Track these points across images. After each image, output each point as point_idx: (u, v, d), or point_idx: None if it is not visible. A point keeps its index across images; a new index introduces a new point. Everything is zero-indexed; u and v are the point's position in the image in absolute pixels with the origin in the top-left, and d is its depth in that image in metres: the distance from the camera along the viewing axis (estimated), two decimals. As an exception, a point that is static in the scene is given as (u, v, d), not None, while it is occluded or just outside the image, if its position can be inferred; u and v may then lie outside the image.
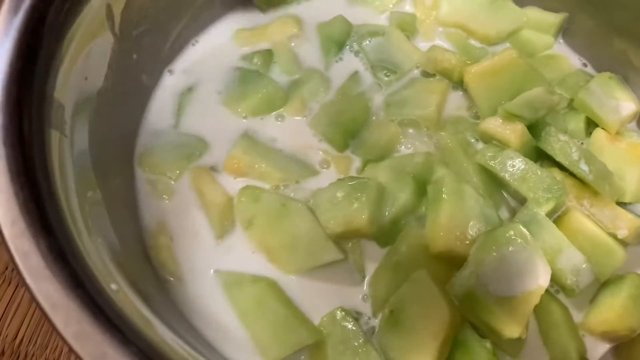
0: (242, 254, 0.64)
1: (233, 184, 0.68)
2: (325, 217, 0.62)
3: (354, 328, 0.59)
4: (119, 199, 0.61)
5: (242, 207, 0.65)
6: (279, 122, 0.73)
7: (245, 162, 0.67)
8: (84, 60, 0.57)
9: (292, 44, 0.79)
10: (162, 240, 0.64)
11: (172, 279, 0.62)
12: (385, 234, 0.64)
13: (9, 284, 0.71)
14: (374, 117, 0.73)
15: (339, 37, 0.79)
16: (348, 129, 0.72)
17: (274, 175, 0.67)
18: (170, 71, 0.76)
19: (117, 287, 0.44)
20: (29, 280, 0.40)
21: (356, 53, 0.79)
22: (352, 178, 0.65)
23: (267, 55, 0.77)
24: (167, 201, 0.67)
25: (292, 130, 0.73)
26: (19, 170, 0.45)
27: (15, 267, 0.41)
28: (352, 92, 0.76)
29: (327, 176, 0.69)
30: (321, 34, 0.80)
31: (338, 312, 0.60)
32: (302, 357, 0.60)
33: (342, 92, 0.75)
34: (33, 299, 0.40)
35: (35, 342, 0.68)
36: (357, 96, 0.75)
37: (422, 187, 0.66)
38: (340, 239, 0.63)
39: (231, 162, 0.68)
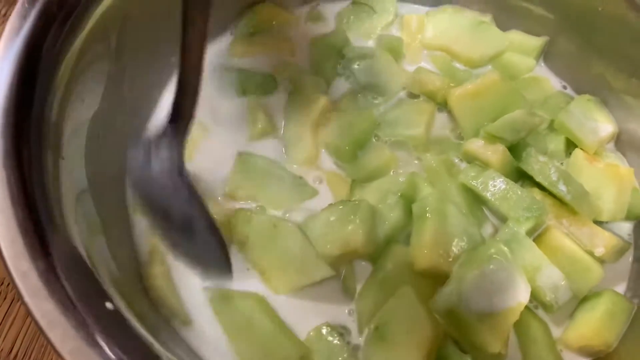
0: (237, 273, 0.65)
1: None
2: (321, 241, 0.64)
3: (338, 343, 0.60)
4: (115, 224, 0.63)
5: (235, 228, 0.67)
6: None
7: (241, 195, 0.70)
8: (81, 84, 0.59)
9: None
10: (157, 269, 0.65)
11: (167, 302, 0.63)
12: (380, 253, 0.66)
13: (4, 299, 0.73)
14: (374, 139, 0.75)
15: (340, 46, 0.82)
16: (358, 141, 0.74)
17: (272, 205, 0.70)
18: (163, 96, 0.77)
19: (112, 306, 0.46)
20: (27, 298, 0.42)
21: (347, 77, 0.81)
22: (342, 202, 0.67)
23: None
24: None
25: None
26: (18, 192, 0.47)
27: (14, 286, 0.43)
28: (353, 108, 0.78)
29: (323, 198, 0.71)
30: (319, 45, 0.83)
31: (324, 327, 0.62)
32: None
33: (344, 107, 0.77)
34: (31, 316, 0.42)
35: (30, 356, 0.69)
36: (367, 110, 0.77)
37: (409, 205, 0.68)
38: (337, 262, 0.65)
39: (230, 195, 0.70)
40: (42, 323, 0.41)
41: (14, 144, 0.49)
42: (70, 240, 0.49)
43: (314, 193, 0.72)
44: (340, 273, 0.66)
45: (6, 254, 0.44)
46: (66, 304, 0.42)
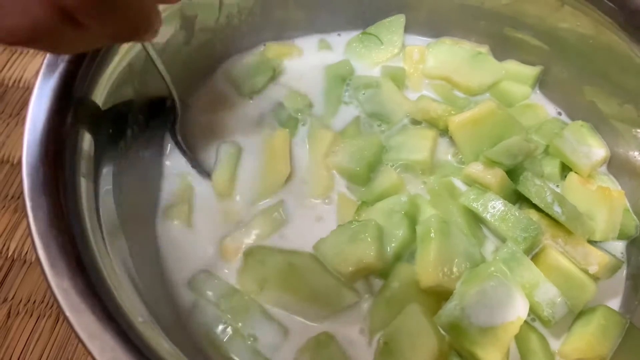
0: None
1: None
2: (335, 261, 0.68)
3: (335, 350, 0.64)
4: (143, 249, 0.67)
5: (250, 271, 0.69)
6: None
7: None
8: (108, 120, 0.64)
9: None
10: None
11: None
12: (390, 268, 0.69)
13: (31, 315, 0.77)
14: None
15: (345, 75, 0.88)
16: (370, 164, 0.77)
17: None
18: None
19: (143, 319, 0.50)
20: (68, 313, 0.46)
21: (353, 105, 0.86)
22: (351, 222, 0.71)
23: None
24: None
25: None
26: (57, 216, 0.51)
27: (57, 302, 0.47)
28: (359, 134, 0.82)
29: (330, 221, 0.75)
30: (328, 74, 0.88)
31: (322, 336, 0.65)
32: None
33: (349, 134, 0.82)
34: (72, 330, 0.46)
35: (56, 369, 0.74)
36: (374, 135, 0.82)
37: (412, 223, 0.72)
38: (351, 279, 0.68)
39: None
40: (83, 336, 0.45)
41: (52, 172, 0.53)
42: (102, 259, 0.53)
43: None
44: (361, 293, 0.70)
45: (48, 273, 0.48)
46: (104, 318, 0.46)
